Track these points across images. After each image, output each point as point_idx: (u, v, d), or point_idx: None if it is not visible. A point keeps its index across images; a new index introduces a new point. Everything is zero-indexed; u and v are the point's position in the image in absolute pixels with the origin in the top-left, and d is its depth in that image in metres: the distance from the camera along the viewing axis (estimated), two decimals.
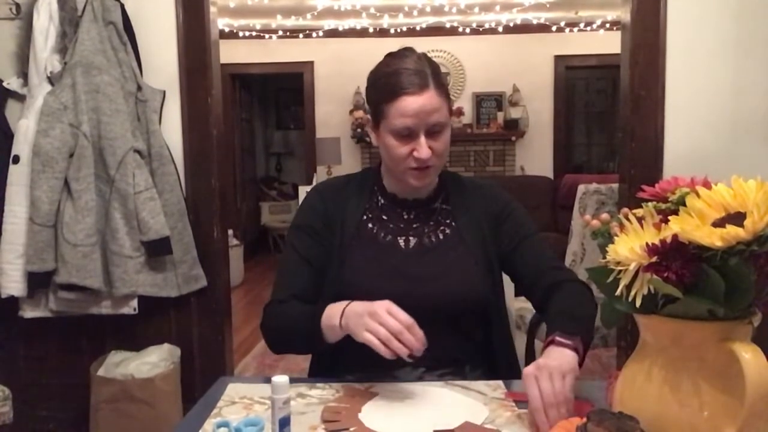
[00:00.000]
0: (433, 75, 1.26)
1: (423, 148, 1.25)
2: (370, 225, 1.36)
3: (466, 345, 1.34)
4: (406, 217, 1.37)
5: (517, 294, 1.57)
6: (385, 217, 1.37)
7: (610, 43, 4.69)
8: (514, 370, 1.37)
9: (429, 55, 1.36)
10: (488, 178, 5.81)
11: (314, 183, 6.07)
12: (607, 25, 6.21)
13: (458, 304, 1.31)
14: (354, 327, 1.12)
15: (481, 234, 1.36)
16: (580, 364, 1.09)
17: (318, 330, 1.18)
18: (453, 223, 1.37)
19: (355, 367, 1.27)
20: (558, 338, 1.10)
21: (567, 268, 1.41)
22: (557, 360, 1.04)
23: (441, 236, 1.36)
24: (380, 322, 1.08)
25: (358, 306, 1.14)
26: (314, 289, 1.34)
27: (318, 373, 1.36)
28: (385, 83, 1.27)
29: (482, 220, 1.37)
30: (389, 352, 1.07)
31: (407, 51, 1.31)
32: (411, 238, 1.35)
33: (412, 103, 1.23)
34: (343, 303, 1.17)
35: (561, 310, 1.23)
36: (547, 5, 5.56)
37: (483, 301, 1.33)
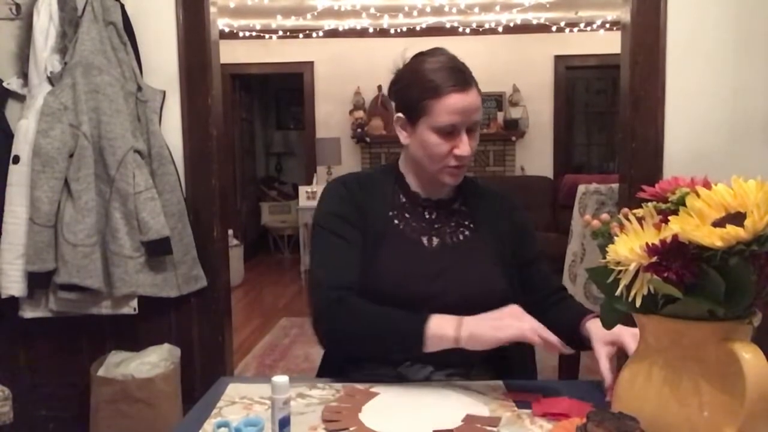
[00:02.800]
0: (470, 73, 1.30)
1: (465, 146, 1.27)
2: (396, 221, 1.36)
3: None
4: (428, 217, 1.38)
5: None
6: (408, 216, 1.37)
7: (610, 43, 4.69)
8: (528, 372, 1.38)
9: None
10: (488, 179, 5.82)
11: (314, 183, 6.08)
12: (607, 25, 6.21)
13: (478, 306, 1.30)
14: (490, 330, 1.13)
15: (498, 237, 1.38)
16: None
17: (420, 336, 1.16)
18: (471, 225, 1.38)
19: (366, 366, 1.27)
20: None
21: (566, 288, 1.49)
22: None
23: (461, 237, 1.37)
24: (524, 319, 1.15)
25: (480, 317, 1.17)
26: (359, 276, 1.31)
27: (328, 374, 1.34)
28: (429, 79, 1.27)
29: (499, 224, 1.39)
30: (540, 341, 1.12)
31: (439, 50, 1.33)
32: (434, 238, 1.36)
33: (460, 101, 1.25)
34: (453, 318, 1.17)
35: (569, 311, 1.33)
36: (547, 5, 5.56)
37: (502, 302, 1.33)
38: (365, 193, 1.37)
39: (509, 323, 1.13)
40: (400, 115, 1.34)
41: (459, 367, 1.28)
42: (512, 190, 1.52)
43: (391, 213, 1.37)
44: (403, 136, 1.35)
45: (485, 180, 1.53)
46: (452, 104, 1.25)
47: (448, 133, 1.27)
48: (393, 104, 1.38)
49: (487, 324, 1.14)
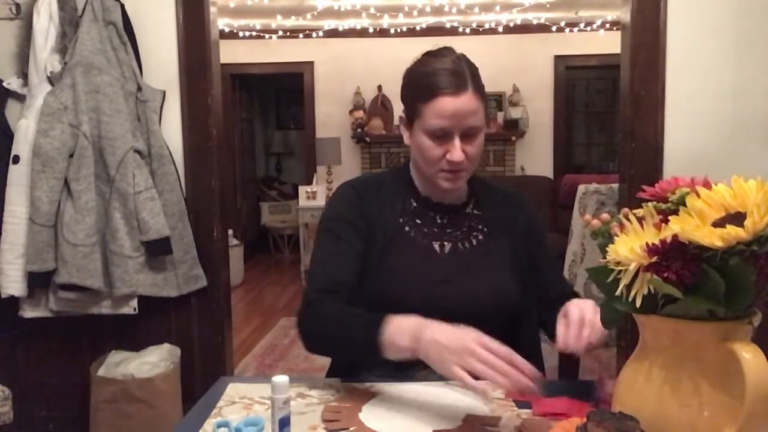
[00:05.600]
0: (471, 77, 1.25)
1: (457, 151, 1.23)
2: (407, 228, 1.34)
3: None
4: (439, 221, 1.36)
5: None
6: (419, 221, 1.35)
7: (610, 43, 4.68)
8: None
9: None
10: (497, 179, 5.80)
11: (314, 183, 6.08)
12: (607, 25, 6.21)
13: (491, 311, 1.29)
14: (438, 360, 1.02)
15: (512, 241, 1.36)
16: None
17: (375, 343, 1.10)
18: (485, 230, 1.36)
19: (376, 370, 1.26)
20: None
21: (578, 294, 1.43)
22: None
23: (474, 242, 1.35)
24: (479, 359, 0.98)
25: (439, 333, 1.04)
26: (354, 277, 1.28)
27: (338, 374, 1.33)
28: (422, 82, 1.26)
29: (513, 227, 1.37)
30: (492, 392, 1.02)
31: (446, 50, 1.30)
32: (446, 243, 1.34)
33: (449, 104, 1.22)
34: (412, 320, 1.08)
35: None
36: (547, 5, 5.55)
37: (515, 308, 1.32)
38: (376, 198, 1.35)
39: (448, 358, 1.00)
40: (402, 115, 1.33)
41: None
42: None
43: (401, 219, 1.35)
44: (405, 137, 1.33)
45: (494, 180, 1.49)
46: (440, 108, 1.22)
47: (440, 137, 1.24)
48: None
49: (439, 354, 1.02)
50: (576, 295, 1.39)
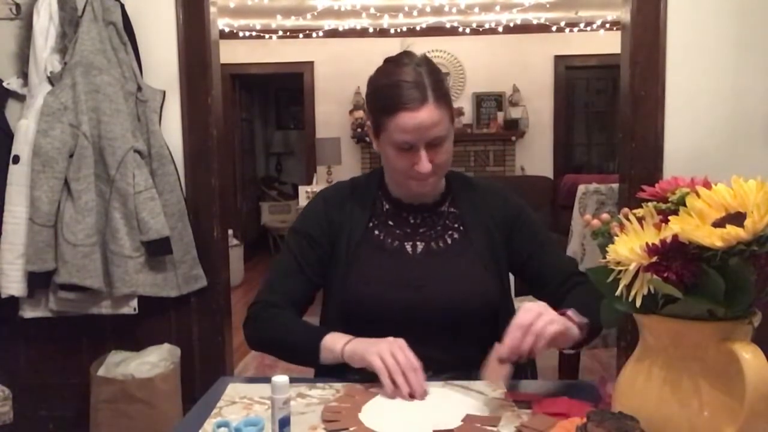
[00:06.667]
0: (432, 86, 1.23)
1: (423, 163, 1.23)
2: (376, 232, 1.35)
3: (475, 349, 1.32)
4: (412, 222, 1.36)
5: (528, 294, 1.56)
6: (391, 223, 1.36)
7: (610, 43, 4.69)
8: (526, 372, 1.36)
9: (429, 55, 1.32)
10: (490, 178, 5.83)
11: (314, 183, 6.08)
12: (607, 25, 6.22)
13: (467, 310, 1.30)
14: (363, 351, 1.15)
15: (491, 237, 1.35)
16: (581, 344, 1.15)
17: (315, 349, 1.23)
18: (461, 227, 1.35)
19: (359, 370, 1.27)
20: (569, 313, 1.14)
21: (585, 273, 1.39)
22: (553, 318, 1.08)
23: (449, 240, 1.34)
24: (393, 353, 1.12)
25: (368, 339, 1.18)
26: (305, 295, 1.36)
27: (322, 374, 1.34)
28: (384, 95, 1.25)
29: (492, 223, 1.36)
30: (391, 387, 1.11)
31: (406, 57, 1.28)
32: (418, 243, 1.34)
33: (411, 119, 1.21)
34: (348, 336, 1.22)
35: (577, 300, 1.23)
36: (547, 5, 5.55)
37: (492, 305, 1.32)
38: (343, 206, 1.37)
39: (372, 350, 1.15)
40: (368, 123, 1.33)
41: (459, 371, 1.27)
42: (512, 189, 1.49)
43: (371, 223, 1.36)
44: (374, 144, 1.33)
45: (479, 177, 1.49)
46: (403, 123, 1.21)
47: (406, 149, 1.24)
48: None
49: (365, 347, 1.17)
50: (578, 275, 1.34)
